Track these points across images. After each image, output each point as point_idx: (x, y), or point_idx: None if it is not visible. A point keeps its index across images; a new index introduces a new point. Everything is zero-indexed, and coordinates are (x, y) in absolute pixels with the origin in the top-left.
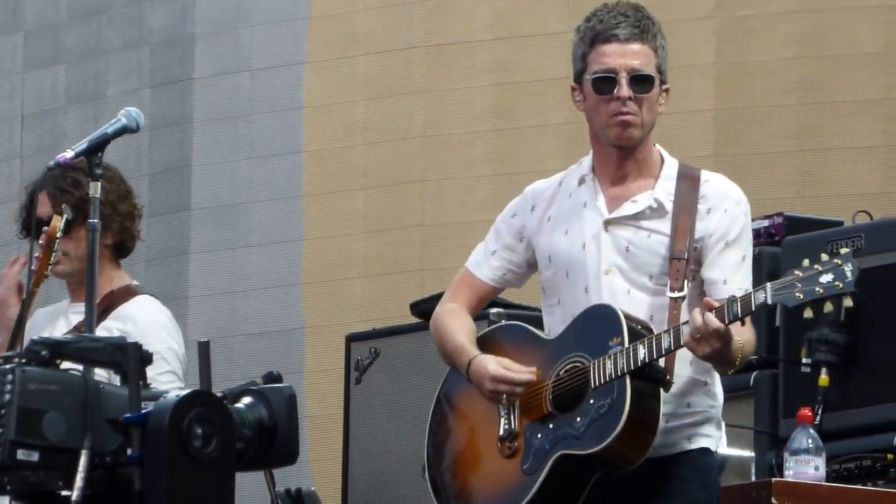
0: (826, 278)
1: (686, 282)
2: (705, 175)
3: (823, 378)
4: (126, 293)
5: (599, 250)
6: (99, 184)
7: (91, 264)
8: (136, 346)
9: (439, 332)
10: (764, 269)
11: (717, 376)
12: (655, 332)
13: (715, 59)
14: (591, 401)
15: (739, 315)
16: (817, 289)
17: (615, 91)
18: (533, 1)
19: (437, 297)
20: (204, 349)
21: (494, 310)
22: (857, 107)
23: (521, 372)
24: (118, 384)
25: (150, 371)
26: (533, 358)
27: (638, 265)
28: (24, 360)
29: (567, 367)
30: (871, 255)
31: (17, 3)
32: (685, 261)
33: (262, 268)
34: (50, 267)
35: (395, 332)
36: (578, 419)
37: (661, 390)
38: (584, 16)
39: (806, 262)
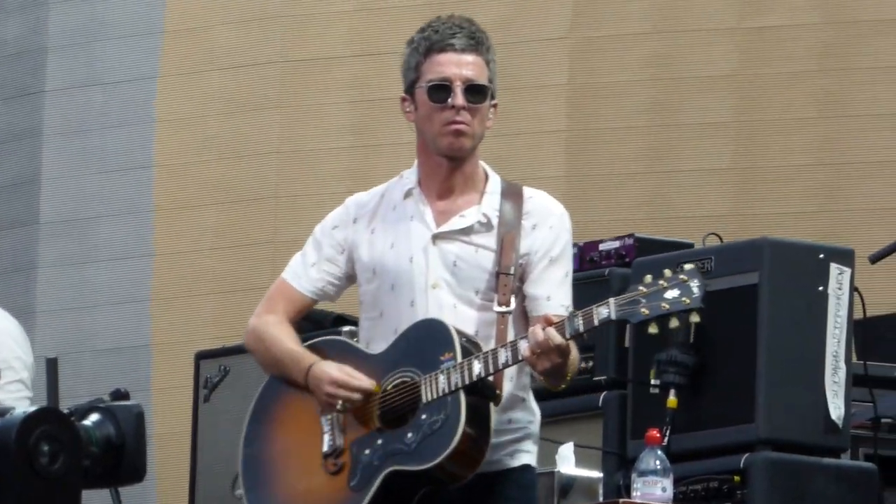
0: (672, 294)
1: (513, 297)
2: (528, 192)
3: (672, 399)
4: None
5: (427, 264)
6: None
7: None
8: None
9: (265, 341)
10: (614, 290)
11: (531, 391)
12: (483, 347)
13: (567, 79)
14: (423, 416)
15: (581, 330)
16: (663, 304)
17: (449, 99)
18: (391, 19)
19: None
20: (52, 366)
21: (347, 328)
22: (708, 128)
23: (363, 380)
24: None
25: None
26: (359, 371)
27: (465, 280)
28: None
29: (395, 382)
30: (721, 278)
31: None
32: (511, 276)
33: (111, 283)
34: None
35: (244, 350)
36: (410, 434)
37: (492, 406)
38: None
39: (649, 278)
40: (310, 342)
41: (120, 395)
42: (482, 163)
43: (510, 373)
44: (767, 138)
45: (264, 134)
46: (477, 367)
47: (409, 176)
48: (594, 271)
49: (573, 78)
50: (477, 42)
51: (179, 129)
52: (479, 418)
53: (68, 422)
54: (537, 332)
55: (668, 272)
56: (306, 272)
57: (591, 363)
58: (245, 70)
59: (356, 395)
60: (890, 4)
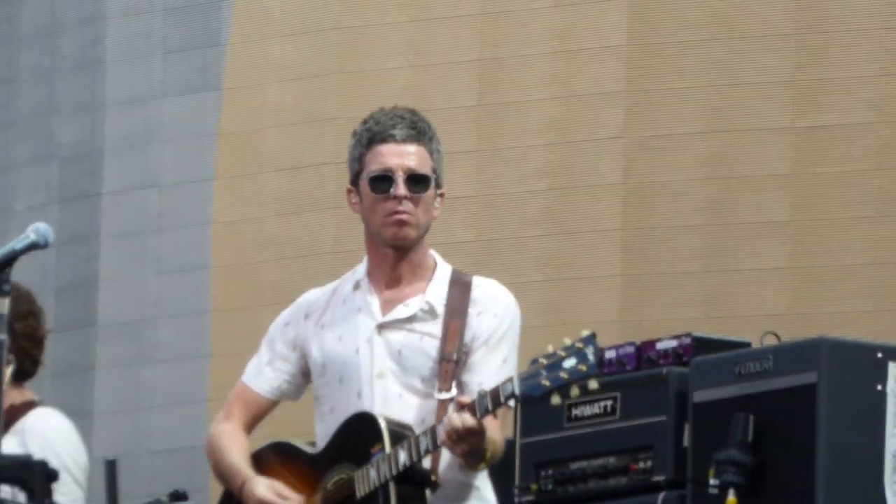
0: (569, 363)
1: (454, 383)
2: (477, 280)
3: (731, 499)
4: (27, 406)
5: (372, 354)
6: (6, 300)
7: None
8: (42, 464)
9: (214, 453)
10: (672, 389)
11: (487, 480)
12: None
13: (622, 178)
14: None
15: (490, 408)
16: (562, 374)
17: (392, 190)
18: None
19: None
20: (111, 467)
21: None
22: (764, 228)
23: (290, 498)
24: (23, 501)
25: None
26: (302, 473)
27: (409, 368)
28: None
29: (334, 480)
30: (780, 377)
31: None
32: (454, 362)
33: (168, 384)
34: None
35: None
36: None
37: (428, 492)
38: None
39: (550, 349)
40: (261, 447)
41: (179, 496)
42: (433, 252)
43: (453, 460)
44: (824, 237)
45: (319, 234)
46: (402, 457)
47: (360, 268)
48: (652, 371)
49: (628, 177)
50: (418, 132)
51: (235, 231)
52: None
53: None
54: (452, 416)
55: (566, 340)
56: (261, 371)
57: (649, 462)
58: (300, 171)
59: None
60: None
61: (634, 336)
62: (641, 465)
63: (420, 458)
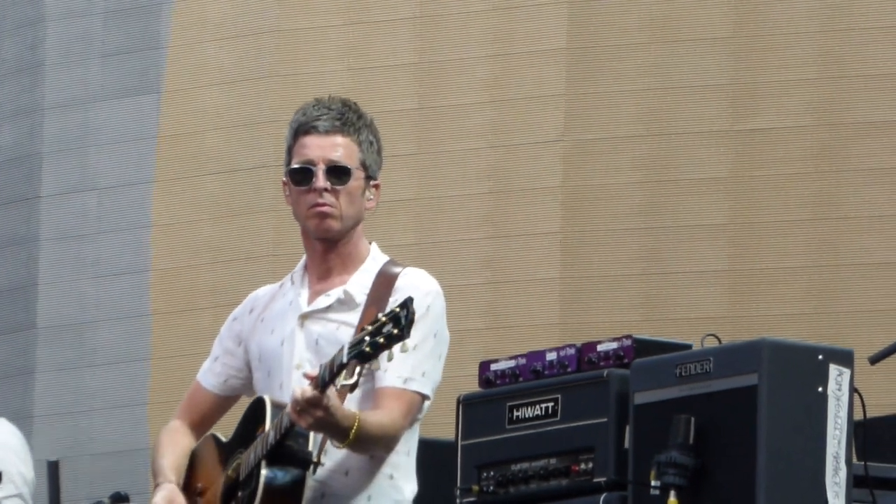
0: (387, 328)
1: (358, 371)
2: (406, 271)
3: (672, 501)
4: None
5: (293, 345)
6: None
7: None
8: None
9: (154, 451)
10: (613, 391)
11: (409, 472)
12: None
13: (562, 181)
14: (240, 493)
15: (327, 380)
16: (380, 339)
17: (312, 182)
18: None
19: None
20: (53, 469)
21: None
22: (703, 230)
23: None
24: None
25: None
26: (216, 461)
27: (325, 357)
28: None
29: (233, 465)
30: (720, 379)
31: None
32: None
33: (108, 387)
34: None
35: None
36: None
37: (310, 473)
38: None
39: (379, 316)
40: (197, 444)
41: (120, 498)
42: (373, 245)
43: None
44: (763, 240)
45: (258, 237)
46: (271, 436)
47: (301, 263)
48: (593, 372)
49: (567, 180)
50: (344, 123)
51: (174, 234)
52: (283, 487)
53: None
54: (295, 389)
55: (391, 307)
56: (211, 368)
57: (590, 464)
58: (238, 174)
59: None
60: (881, 107)
61: (574, 338)
62: (583, 466)
63: (283, 434)
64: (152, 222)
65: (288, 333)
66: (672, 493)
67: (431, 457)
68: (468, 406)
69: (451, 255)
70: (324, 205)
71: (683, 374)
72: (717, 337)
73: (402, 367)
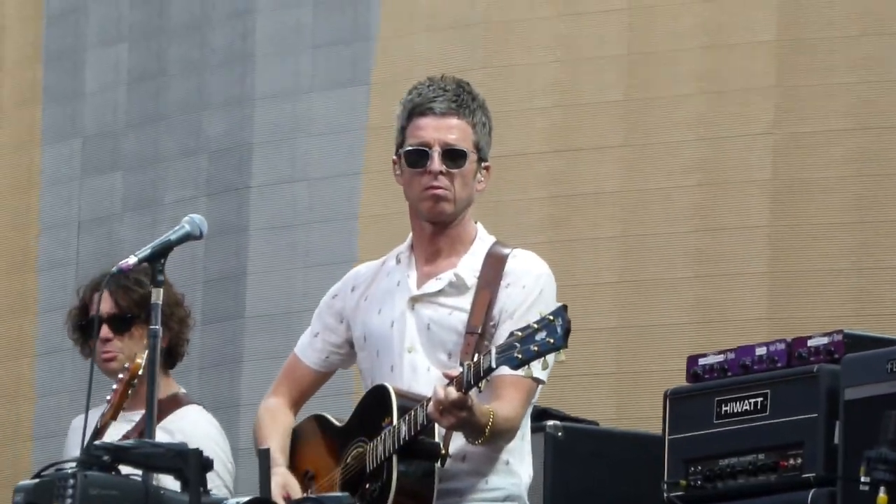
0: (540, 336)
1: (476, 357)
2: (514, 252)
3: (882, 497)
4: (173, 403)
5: (404, 328)
6: (161, 290)
7: (152, 370)
8: (198, 452)
9: (257, 432)
10: (823, 387)
11: (524, 455)
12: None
13: (772, 174)
14: (367, 485)
15: (472, 382)
16: (532, 347)
17: (427, 165)
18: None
19: None
20: (264, 456)
21: (551, 422)
22: None
23: (289, 498)
24: (178, 490)
25: None
26: (329, 446)
27: (437, 343)
28: (84, 465)
29: (353, 454)
30: None
31: (76, 109)
32: (478, 335)
33: None
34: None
35: None
36: None
37: (438, 466)
38: None
39: (531, 323)
40: (300, 422)
41: None
42: (479, 225)
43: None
44: None
45: None
46: (403, 430)
47: (406, 242)
48: (802, 367)
49: (777, 173)
50: (459, 105)
51: (383, 224)
52: (414, 481)
53: None
54: (437, 389)
55: (540, 313)
56: (311, 344)
57: (799, 460)
58: None
59: None
60: None
61: (783, 333)
62: (791, 462)
63: (419, 431)
64: (360, 213)
65: (398, 315)
66: (882, 490)
67: (639, 451)
68: (676, 400)
69: (658, 249)
70: (439, 188)
71: (895, 369)
72: None
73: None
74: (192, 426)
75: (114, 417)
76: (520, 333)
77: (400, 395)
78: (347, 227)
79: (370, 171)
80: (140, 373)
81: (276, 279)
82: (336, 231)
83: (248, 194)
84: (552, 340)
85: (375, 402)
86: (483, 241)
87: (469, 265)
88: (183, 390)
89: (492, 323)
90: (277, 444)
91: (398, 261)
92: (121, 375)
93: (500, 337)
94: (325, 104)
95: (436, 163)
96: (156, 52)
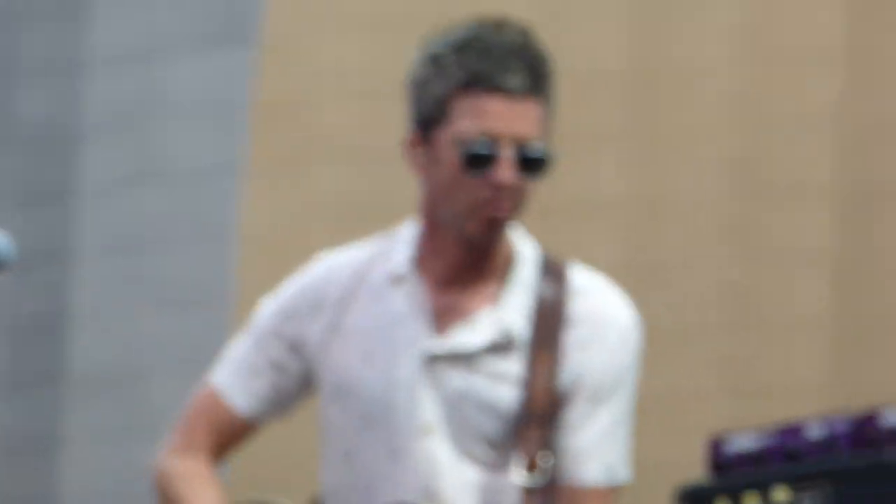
0: None
1: (542, 457)
2: (578, 280)
3: None
4: None
5: (415, 400)
6: None
7: None
8: None
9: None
10: None
11: None
12: None
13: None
14: None
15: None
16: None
17: (493, 170)
18: None
19: None
20: None
21: None
22: None
23: None
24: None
25: None
26: None
27: (471, 426)
28: None
29: None
30: None
31: None
32: (541, 419)
33: None
34: None
35: None
36: None
37: None
38: None
39: None
40: None
41: None
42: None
43: None
44: None
45: None
46: None
47: (401, 249)
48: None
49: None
50: (536, 78)
51: (276, 246)
52: None
53: None
54: None
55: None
56: (248, 385)
57: None
58: None
59: None
60: None
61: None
62: None
63: None
64: (242, 229)
65: (405, 377)
66: None
67: None
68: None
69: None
70: (503, 207)
71: None
72: None
73: (608, 452)
74: None
75: None
76: None
77: None
78: (219, 250)
79: (257, 170)
80: None
81: (115, 324)
82: (203, 255)
83: (78, 203)
84: None
85: None
86: (525, 260)
87: (515, 302)
88: None
89: (557, 401)
90: None
91: (394, 280)
92: None
93: (575, 423)
94: (189, 73)
95: (506, 171)
96: None
